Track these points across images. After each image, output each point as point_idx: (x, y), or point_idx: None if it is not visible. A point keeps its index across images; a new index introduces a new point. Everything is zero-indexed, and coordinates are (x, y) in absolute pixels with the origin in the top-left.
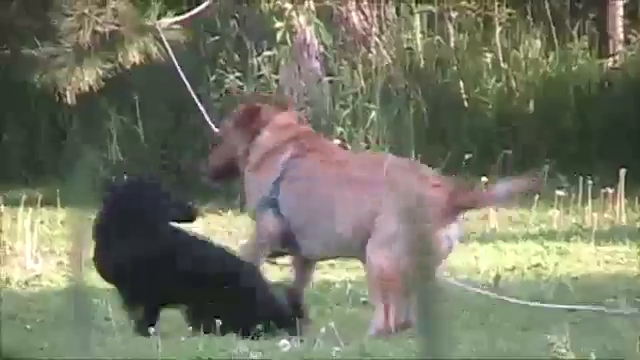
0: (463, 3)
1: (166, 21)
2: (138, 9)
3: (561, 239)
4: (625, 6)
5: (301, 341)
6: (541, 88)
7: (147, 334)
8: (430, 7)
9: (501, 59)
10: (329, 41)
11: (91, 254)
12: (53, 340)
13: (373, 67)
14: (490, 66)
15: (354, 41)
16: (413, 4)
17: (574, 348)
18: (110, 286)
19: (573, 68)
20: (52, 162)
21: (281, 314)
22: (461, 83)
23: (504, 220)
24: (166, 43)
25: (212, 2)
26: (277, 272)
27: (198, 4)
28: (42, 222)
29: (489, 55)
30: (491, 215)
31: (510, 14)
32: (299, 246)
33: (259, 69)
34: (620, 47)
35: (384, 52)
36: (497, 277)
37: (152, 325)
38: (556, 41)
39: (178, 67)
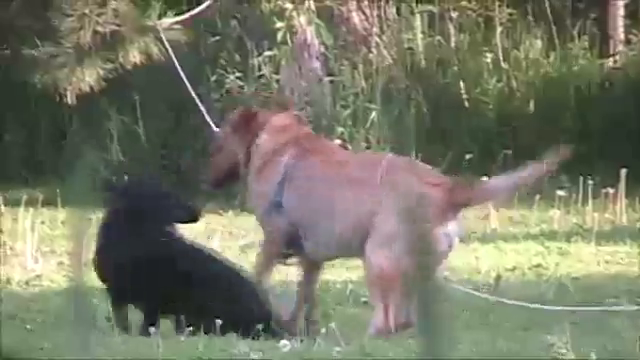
0: (464, 3)
1: (167, 21)
2: (139, 9)
3: (562, 239)
4: (626, 6)
5: (301, 341)
6: (542, 88)
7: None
8: (431, 7)
9: (502, 59)
10: (330, 41)
11: (92, 254)
12: (54, 340)
13: (374, 67)
14: (491, 66)
15: (355, 41)
16: (414, 4)
17: (574, 348)
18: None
19: (574, 68)
20: (53, 162)
21: (270, 317)
22: (462, 83)
23: (505, 220)
24: (167, 43)
25: (213, 2)
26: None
27: (198, 4)
28: (43, 222)
29: (490, 55)
30: (492, 215)
31: (511, 14)
32: (304, 247)
33: (260, 69)
34: (621, 47)
35: (385, 52)
36: (498, 277)
37: (152, 325)
38: (557, 41)
39: (179, 67)
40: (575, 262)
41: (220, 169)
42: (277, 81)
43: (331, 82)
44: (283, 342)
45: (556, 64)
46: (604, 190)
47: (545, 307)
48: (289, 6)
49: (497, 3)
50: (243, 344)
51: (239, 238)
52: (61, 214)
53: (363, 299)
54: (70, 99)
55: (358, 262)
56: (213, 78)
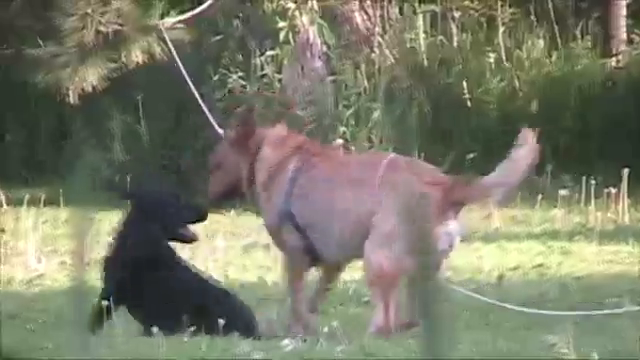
0: (466, 3)
1: (169, 20)
2: (141, 9)
3: (564, 239)
4: (628, 6)
5: (304, 341)
6: (544, 88)
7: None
8: (433, 7)
9: (504, 59)
10: (332, 41)
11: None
12: (56, 340)
13: (376, 67)
14: (493, 66)
15: (357, 41)
16: (416, 4)
17: (576, 348)
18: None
19: (576, 68)
20: (55, 162)
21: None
22: (464, 83)
23: (507, 220)
24: (169, 43)
25: (215, 1)
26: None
27: (200, 3)
28: (45, 222)
29: (492, 55)
30: (494, 215)
31: (513, 14)
32: (320, 253)
33: (262, 69)
34: (623, 47)
35: (387, 52)
36: (500, 276)
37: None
38: (559, 41)
39: (181, 67)
40: (577, 261)
41: (220, 185)
42: (279, 81)
43: (333, 82)
44: (285, 341)
45: (559, 64)
46: (606, 190)
47: (544, 312)
48: (291, 5)
49: (499, 3)
50: (245, 344)
51: (241, 238)
52: (63, 213)
53: (365, 299)
54: (72, 98)
55: (360, 262)
56: (215, 77)
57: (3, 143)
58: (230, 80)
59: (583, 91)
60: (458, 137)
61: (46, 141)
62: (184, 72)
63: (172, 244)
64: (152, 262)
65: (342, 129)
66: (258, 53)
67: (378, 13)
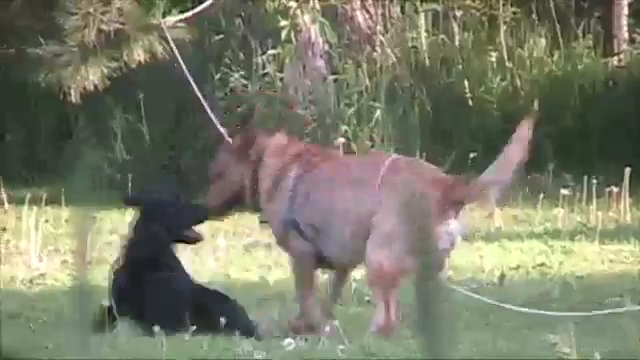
0: (468, 2)
1: (171, 19)
2: (143, 7)
3: (566, 238)
4: (630, 5)
5: (305, 340)
6: (546, 87)
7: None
8: (435, 6)
9: (506, 58)
10: (334, 40)
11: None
12: (57, 339)
13: (378, 66)
14: (495, 65)
15: (359, 40)
16: (418, 3)
17: (578, 348)
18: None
19: (578, 67)
20: (56, 161)
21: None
22: (466, 82)
23: (509, 219)
24: (171, 42)
25: (216, 0)
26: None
27: (202, 2)
28: (47, 221)
29: (494, 54)
30: (496, 214)
31: (515, 13)
32: (327, 257)
33: (264, 68)
34: (625, 46)
35: (389, 51)
36: (502, 276)
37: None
38: (561, 40)
39: (183, 66)
40: (579, 261)
41: (222, 195)
42: (281, 79)
43: (335, 81)
44: (287, 341)
45: (560, 63)
46: (608, 189)
47: (543, 312)
48: (293, 4)
49: (501, 2)
50: (247, 343)
51: (243, 237)
52: (65, 213)
53: (367, 298)
54: (74, 97)
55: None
56: (217, 77)
57: (5, 142)
58: (232, 79)
59: (585, 90)
60: (460, 136)
61: (48, 140)
62: (186, 71)
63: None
64: (158, 266)
65: (344, 128)
66: (260, 52)
67: (380, 12)
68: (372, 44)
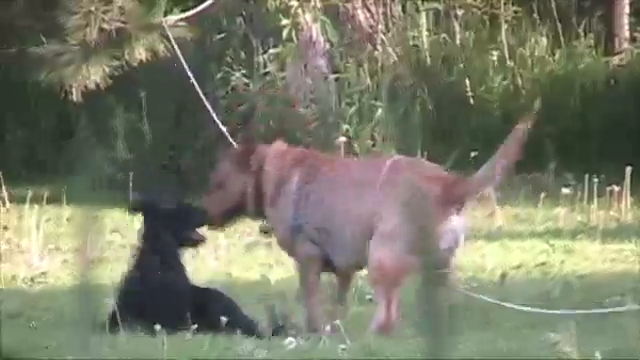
0: (469, 1)
1: (172, 18)
2: (144, 6)
3: (567, 237)
4: (631, 4)
5: (307, 339)
6: (547, 86)
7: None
8: (436, 5)
9: (507, 57)
10: (335, 38)
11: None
12: (59, 338)
13: (379, 65)
14: (496, 64)
15: (360, 39)
16: (419, 2)
17: (579, 347)
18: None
19: (579, 66)
20: (58, 160)
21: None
22: (467, 81)
23: (510, 218)
24: (173, 40)
25: None
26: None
27: (203, 1)
28: (48, 220)
29: (495, 53)
30: (497, 213)
31: (516, 12)
32: (333, 261)
33: (265, 66)
34: (626, 45)
35: (390, 50)
36: (503, 275)
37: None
38: (562, 39)
39: (185, 64)
40: (580, 260)
41: (224, 205)
42: (282, 78)
43: (336, 79)
44: (289, 340)
45: (561, 62)
46: (609, 188)
47: (545, 311)
48: (294, 3)
49: (502, 1)
50: (248, 342)
51: (244, 236)
52: (66, 211)
53: (368, 296)
54: (76, 96)
55: None
56: (218, 75)
57: (6, 141)
58: (233, 78)
59: (586, 89)
60: (461, 135)
61: (49, 139)
62: (187, 70)
63: None
64: (165, 270)
65: (345, 127)
66: (261, 51)
67: (381, 11)
68: (373, 43)
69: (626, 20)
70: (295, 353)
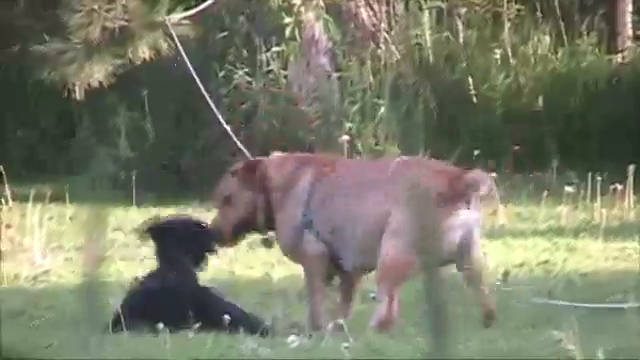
0: None
1: (175, 17)
2: (147, 5)
3: (570, 235)
4: (634, 2)
5: (310, 337)
6: (550, 84)
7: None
8: (439, 3)
9: (510, 55)
10: (338, 37)
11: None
12: (61, 337)
13: (382, 63)
14: (499, 62)
15: (363, 37)
16: (422, 0)
17: (582, 344)
18: (120, 284)
19: (582, 64)
20: (61, 158)
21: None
22: (470, 79)
23: (513, 216)
24: (176, 39)
25: None
26: None
27: None
28: (51, 218)
29: (498, 51)
30: (500, 211)
31: (519, 10)
32: (342, 261)
33: (268, 65)
34: (629, 43)
35: (393, 48)
36: (506, 273)
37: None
38: (565, 37)
39: (188, 63)
40: (583, 258)
41: (234, 221)
42: (285, 77)
43: (339, 78)
44: (292, 338)
45: (564, 60)
46: (612, 186)
47: (551, 301)
48: (297, 2)
49: None
50: (251, 340)
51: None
52: (69, 210)
53: (372, 294)
54: (79, 95)
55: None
56: (221, 74)
57: (9, 140)
58: (236, 76)
59: (589, 87)
60: (464, 133)
61: (52, 137)
62: (190, 68)
63: None
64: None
65: (348, 125)
66: (264, 49)
67: (384, 9)
68: (376, 41)
69: (629, 18)
70: (298, 351)
